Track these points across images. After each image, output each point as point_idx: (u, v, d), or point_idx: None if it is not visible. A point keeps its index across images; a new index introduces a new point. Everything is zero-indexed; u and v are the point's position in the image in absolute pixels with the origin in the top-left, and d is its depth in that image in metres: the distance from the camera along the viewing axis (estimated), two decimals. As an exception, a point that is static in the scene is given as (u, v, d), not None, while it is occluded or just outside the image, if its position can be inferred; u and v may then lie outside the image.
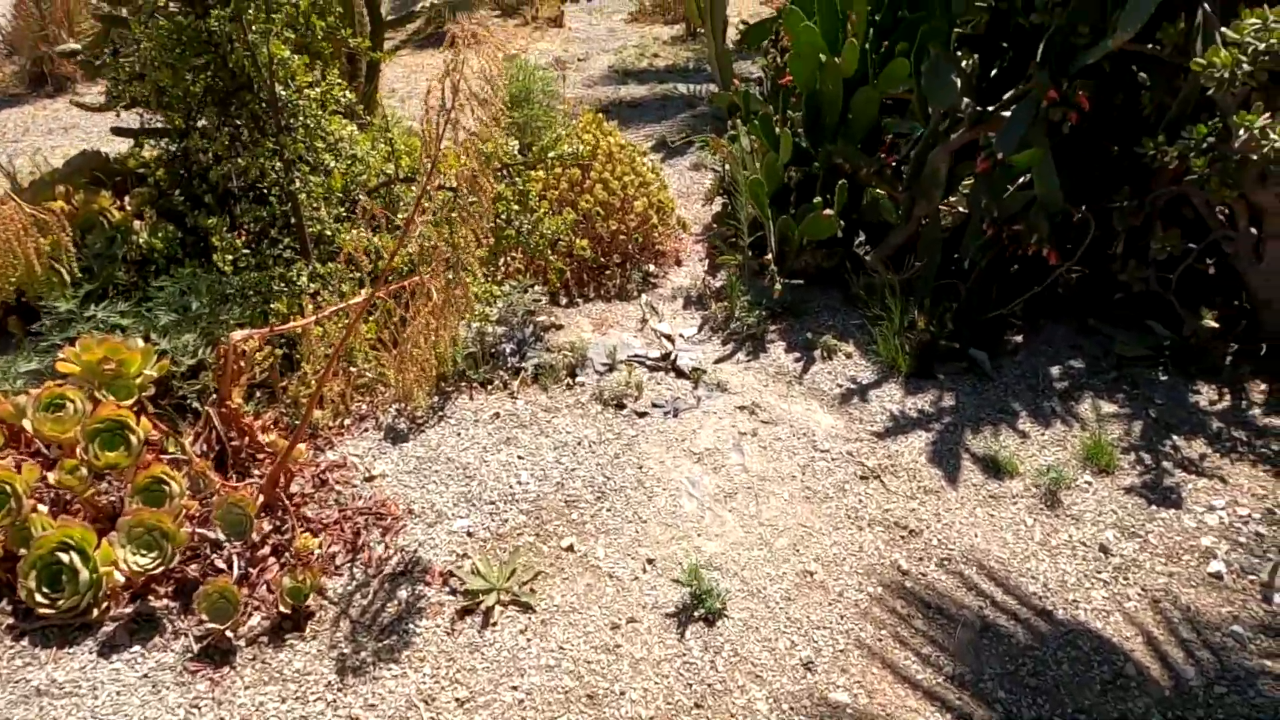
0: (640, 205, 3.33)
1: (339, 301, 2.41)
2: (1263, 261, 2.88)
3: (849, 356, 2.99)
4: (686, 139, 5.32)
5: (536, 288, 3.10)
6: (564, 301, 3.27)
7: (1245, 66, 2.33)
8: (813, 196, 3.31)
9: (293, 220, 2.80)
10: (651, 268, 3.48)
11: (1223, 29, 2.55)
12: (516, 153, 2.85)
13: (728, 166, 3.67)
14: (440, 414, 2.67)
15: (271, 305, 2.58)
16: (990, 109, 3.18)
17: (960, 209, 3.64)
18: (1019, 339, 3.09)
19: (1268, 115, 2.43)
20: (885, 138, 3.50)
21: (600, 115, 3.79)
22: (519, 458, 2.51)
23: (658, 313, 3.24)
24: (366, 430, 2.60)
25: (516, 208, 2.85)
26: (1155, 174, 2.92)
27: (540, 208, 2.97)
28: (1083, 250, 2.95)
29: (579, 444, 2.56)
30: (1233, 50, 2.44)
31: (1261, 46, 2.32)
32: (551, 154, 2.81)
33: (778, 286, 3.01)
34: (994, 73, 3.45)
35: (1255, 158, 2.47)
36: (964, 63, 3.44)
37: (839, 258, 3.36)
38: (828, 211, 2.93)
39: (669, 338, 3.08)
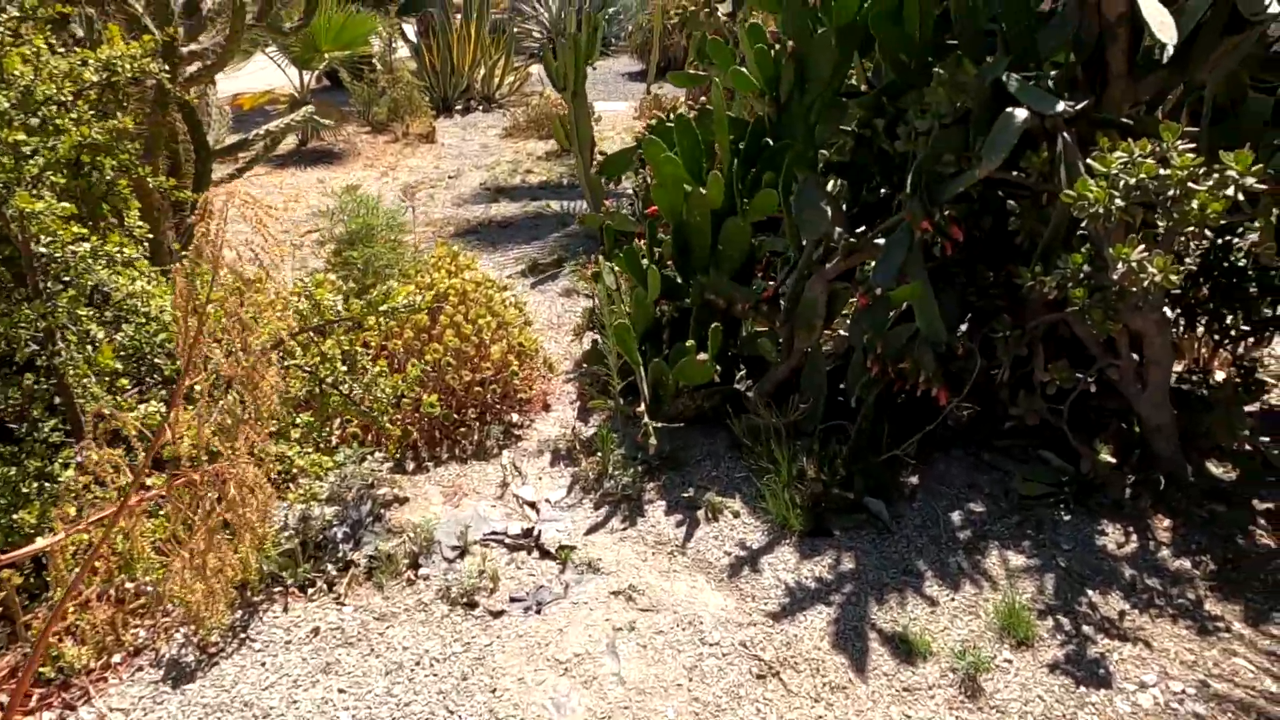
0: (498, 351, 2.97)
1: (117, 499, 1.92)
2: (1147, 388, 2.78)
3: (736, 516, 2.67)
4: (558, 261, 5.07)
5: (378, 454, 2.67)
6: (411, 467, 2.84)
7: (1119, 202, 2.22)
8: (687, 332, 3.05)
9: (59, 399, 2.29)
10: (515, 417, 3.10)
11: (1087, 160, 2.48)
12: (343, 306, 2.46)
13: (597, 299, 3.39)
14: (242, 636, 2.15)
15: (16, 515, 2.04)
16: (864, 235, 3.04)
17: (842, 332, 3.47)
18: (915, 479, 2.85)
19: (1143, 247, 2.33)
20: (761, 258, 3.32)
21: (455, 249, 3.47)
22: (340, 691, 2.01)
23: (521, 473, 2.85)
24: (142, 669, 2.04)
25: (344, 368, 2.44)
26: (1034, 302, 2.80)
27: (378, 365, 2.57)
28: (970, 384, 2.77)
29: (418, 663, 2.09)
30: (1101, 183, 2.34)
31: (1132, 181, 2.22)
32: (384, 306, 2.44)
33: (652, 442, 2.68)
34: (865, 197, 3.35)
35: (1135, 290, 2.36)
36: (833, 188, 3.32)
37: (719, 398, 3.09)
38: (702, 356, 2.66)
39: (533, 505, 2.68)
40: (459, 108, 11.64)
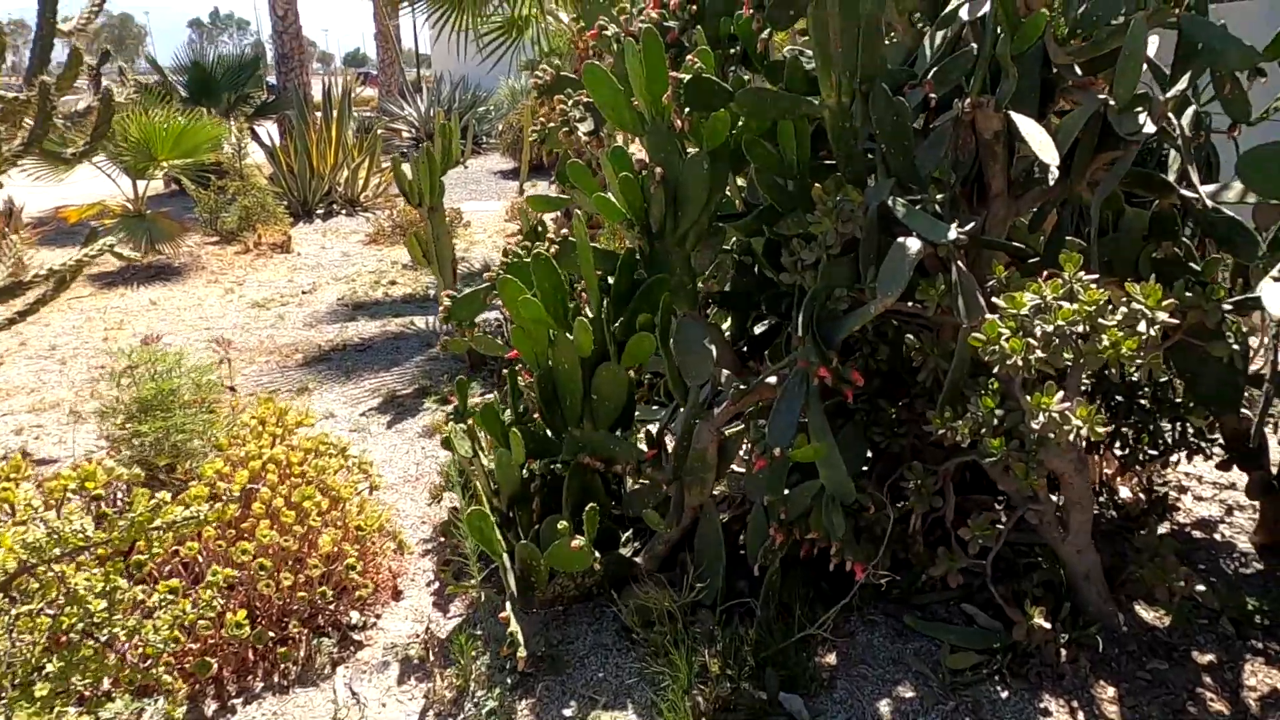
0: (329, 540, 2.42)
1: None
2: (1069, 532, 2.52)
3: (630, 733, 2.19)
4: (421, 391, 4.55)
5: (160, 701, 2.05)
6: (213, 709, 2.22)
7: (1038, 354, 1.97)
8: (561, 498, 2.60)
9: None
10: (354, 616, 2.54)
11: (992, 299, 2.24)
12: (93, 529, 1.88)
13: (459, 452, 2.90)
14: None
15: None
16: (755, 374, 2.72)
17: (738, 468, 3.12)
18: (833, 658, 2.46)
19: (1062, 394, 2.08)
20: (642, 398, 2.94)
21: (281, 405, 2.92)
22: None
23: (359, 700, 2.28)
24: None
25: (102, 605, 1.85)
26: (946, 447, 2.53)
27: (157, 589, 1.98)
28: (885, 545, 2.43)
29: None
30: (1009, 323, 2.10)
31: (1050, 329, 1.98)
32: (155, 524, 1.88)
33: (521, 654, 2.18)
34: (753, 327, 3.05)
35: (1056, 439, 2.09)
36: (718, 320, 3.01)
37: (603, 571, 2.63)
38: (577, 542, 2.22)
39: (373, 748, 2.12)
40: (320, 212, 11.05)
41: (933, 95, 2.63)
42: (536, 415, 2.70)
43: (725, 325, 2.96)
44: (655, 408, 3.19)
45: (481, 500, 2.67)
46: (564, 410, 2.65)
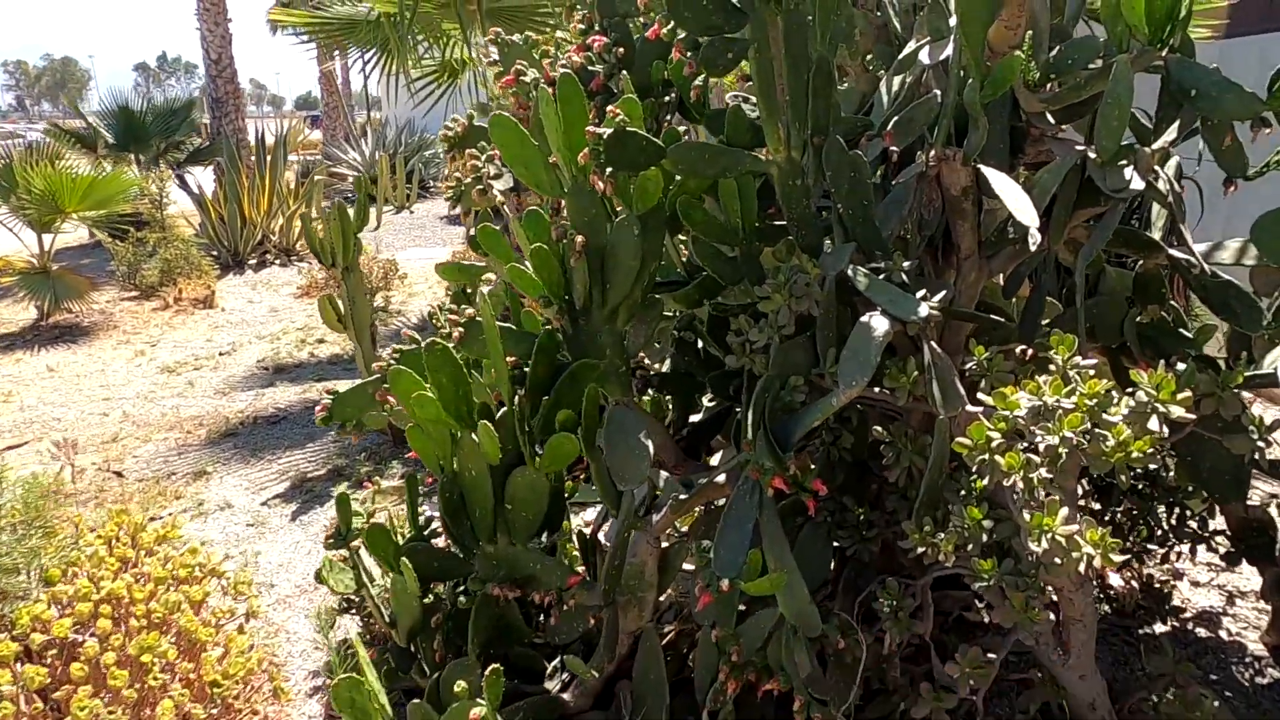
0: (168, 708, 1.93)
1: None
2: (1070, 654, 2.15)
3: None
4: (335, 473, 4.07)
5: None
6: None
7: (1043, 472, 1.60)
8: (468, 630, 2.15)
9: None
10: (213, 791, 2.05)
11: (980, 397, 1.89)
12: None
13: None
14: None
15: None
16: (698, 473, 2.33)
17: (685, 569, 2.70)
18: (801, 820, 2.04)
19: (1065, 512, 1.71)
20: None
21: (138, 519, 2.44)
22: None
23: None
24: None
25: None
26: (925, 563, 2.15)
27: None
28: (859, 688, 2.03)
29: None
30: (1000, 425, 1.74)
31: (1055, 440, 1.62)
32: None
33: None
34: (695, 414, 2.67)
35: (1063, 565, 1.72)
36: (659, 410, 2.62)
37: (524, 715, 2.18)
38: (477, 711, 1.77)
39: None
40: (252, 262, 10.50)
41: (894, 149, 2.30)
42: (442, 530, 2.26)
43: (663, 415, 2.57)
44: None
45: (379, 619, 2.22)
46: (473, 522, 2.22)
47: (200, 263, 8.75)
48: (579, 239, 2.10)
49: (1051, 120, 2.48)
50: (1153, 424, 1.75)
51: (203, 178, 11.61)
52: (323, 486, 3.89)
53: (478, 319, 2.16)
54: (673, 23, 1.86)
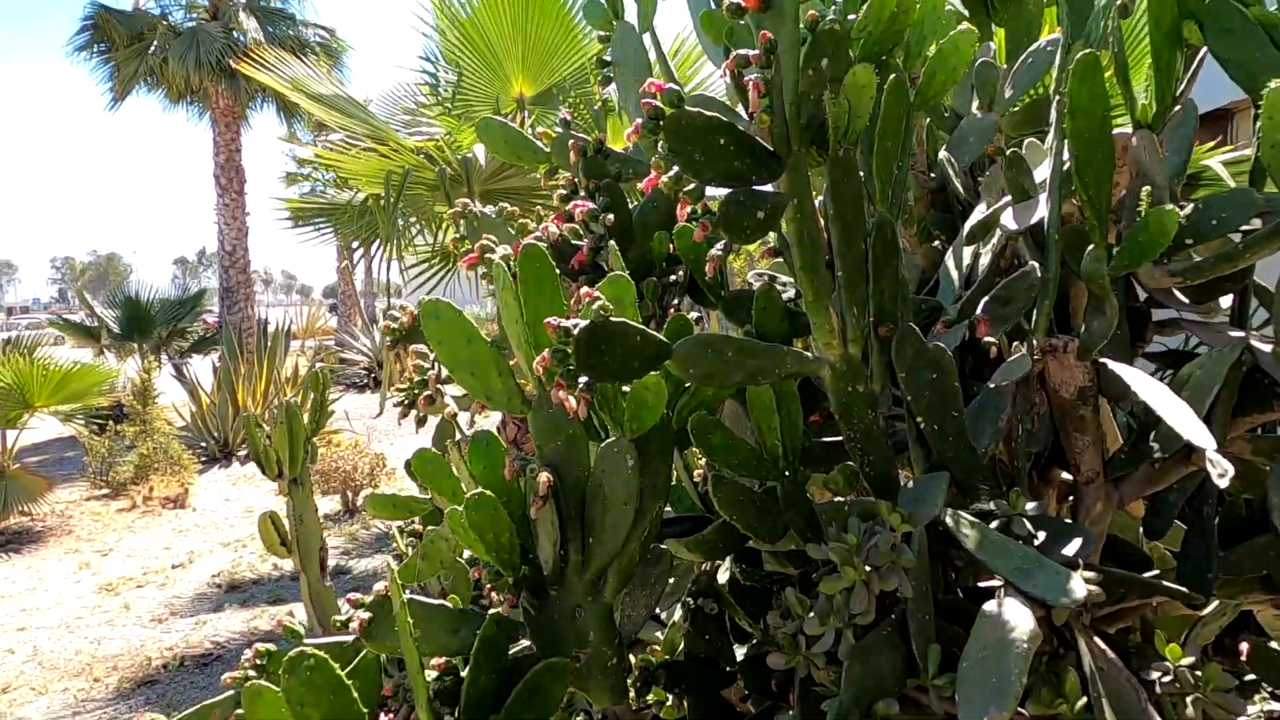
0: None
1: None
2: None
3: None
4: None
5: None
6: None
7: None
8: None
9: None
10: None
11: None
12: None
13: None
14: None
15: None
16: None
17: None
18: None
19: None
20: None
21: None
22: None
23: None
24: None
25: None
26: None
27: None
28: None
29: None
30: None
31: None
32: None
33: None
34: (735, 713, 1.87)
35: None
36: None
37: None
38: None
39: None
40: (241, 454, 9.91)
41: (990, 340, 1.67)
42: None
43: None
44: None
45: None
46: None
47: (180, 457, 8.15)
48: (543, 478, 1.42)
49: (1184, 299, 1.87)
50: None
51: (204, 367, 11.31)
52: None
53: (389, 594, 1.45)
54: (677, 169, 1.28)
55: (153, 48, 13.37)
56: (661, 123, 1.19)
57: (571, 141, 1.91)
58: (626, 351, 1.30)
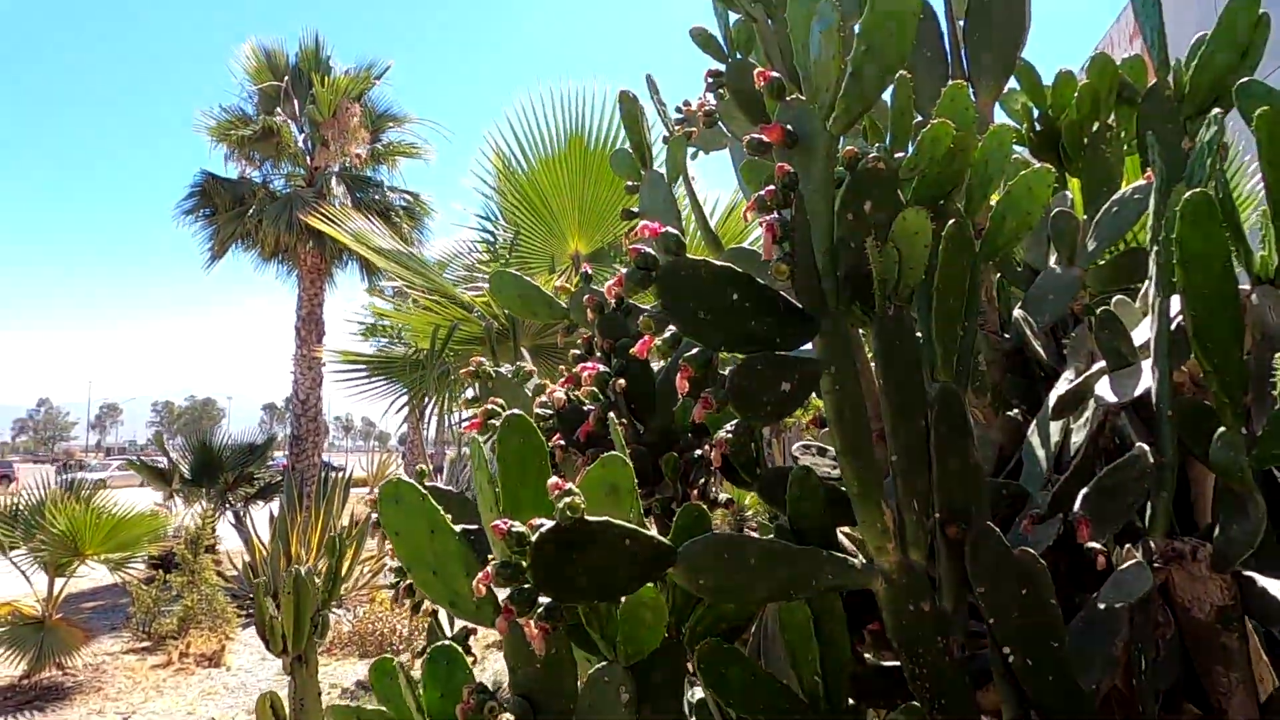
0: None
1: None
2: None
3: None
4: None
5: None
6: None
7: None
8: None
9: None
10: None
11: None
12: None
13: None
14: None
15: None
16: None
17: None
18: None
19: None
20: None
21: None
22: None
23: None
24: None
25: None
26: None
27: None
28: None
29: None
30: None
31: None
32: None
33: None
34: None
35: None
36: None
37: None
38: None
39: None
40: (288, 607, 9.63)
41: (1095, 546, 1.31)
42: None
43: None
44: None
45: None
46: None
47: (224, 610, 7.92)
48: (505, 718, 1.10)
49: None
50: None
51: (265, 515, 11.30)
52: None
53: None
54: (673, 329, 1.03)
55: (250, 211, 14.43)
56: (655, 274, 0.95)
57: (587, 296, 1.70)
58: (609, 561, 1.00)
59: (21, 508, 7.10)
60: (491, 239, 5.35)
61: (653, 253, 0.95)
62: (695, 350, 1.02)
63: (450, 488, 1.90)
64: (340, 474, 11.31)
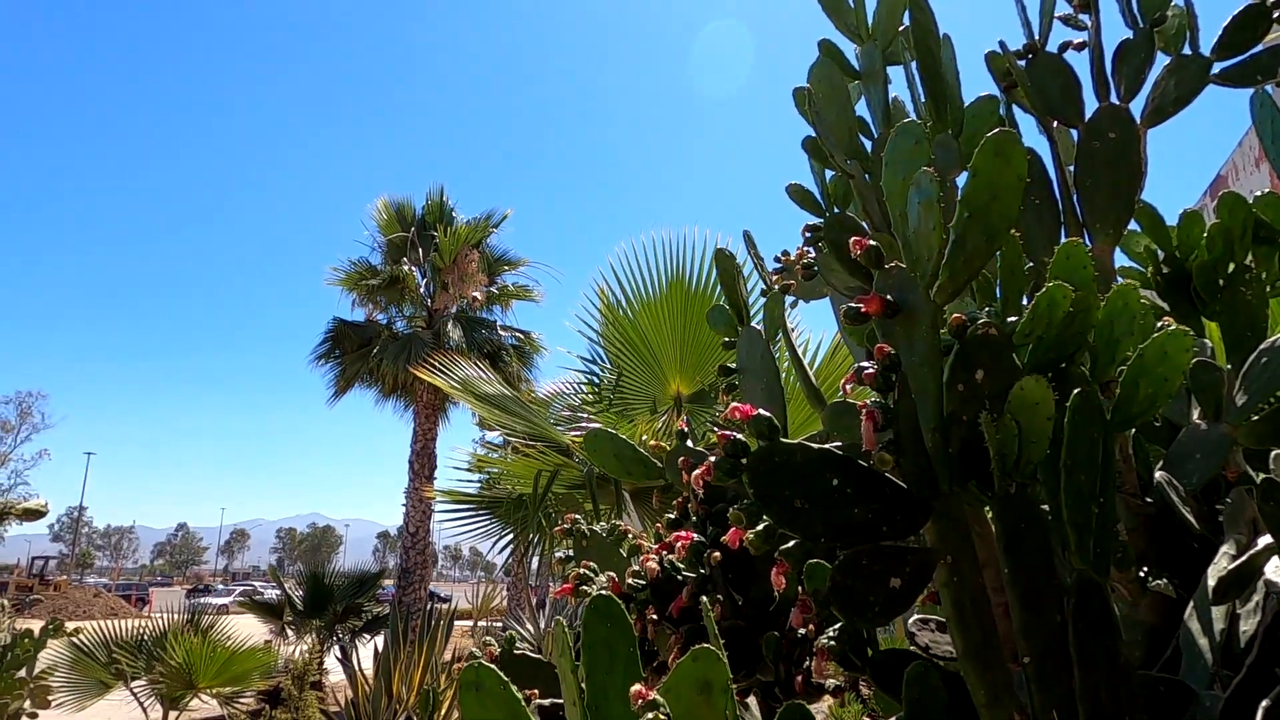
0: None
1: None
2: None
3: None
4: None
5: None
6: None
7: None
8: None
9: None
10: None
11: None
12: None
13: None
14: None
15: None
16: None
17: None
18: None
19: None
20: None
21: None
22: None
23: None
24: None
25: None
26: None
27: None
28: None
29: None
30: None
31: None
32: None
33: None
34: None
35: None
36: None
37: None
38: None
39: None
40: (386, 750, 9.44)
41: (1288, 776, 1.09)
42: None
43: None
44: None
45: None
46: None
47: (323, 751, 7.82)
48: None
49: None
50: None
51: (371, 649, 11.32)
52: None
53: None
54: (767, 521, 0.95)
55: (374, 351, 15.39)
56: (745, 460, 0.89)
57: (682, 459, 1.64)
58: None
59: (145, 637, 7.36)
60: (596, 380, 5.44)
61: (743, 439, 0.89)
62: (793, 543, 0.93)
63: (541, 657, 1.81)
64: (446, 605, 11.28)
